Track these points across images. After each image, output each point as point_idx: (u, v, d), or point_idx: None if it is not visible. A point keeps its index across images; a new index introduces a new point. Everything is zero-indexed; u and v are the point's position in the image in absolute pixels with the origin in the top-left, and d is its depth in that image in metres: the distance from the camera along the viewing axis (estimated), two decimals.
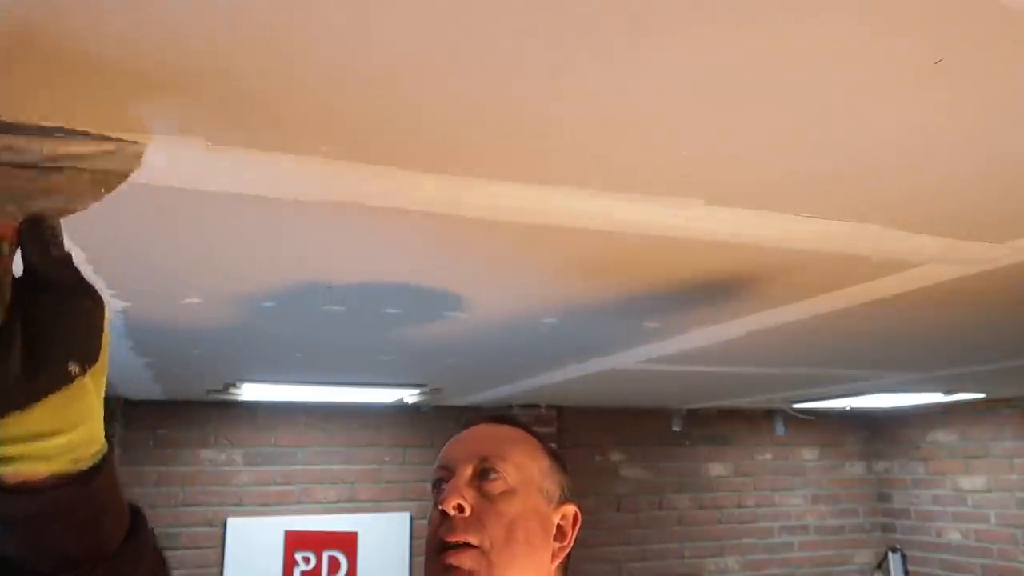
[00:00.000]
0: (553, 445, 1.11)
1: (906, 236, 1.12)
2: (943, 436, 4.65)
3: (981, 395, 3.76)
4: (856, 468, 5.04)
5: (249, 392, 3.13)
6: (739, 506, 4.70)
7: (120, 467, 3.59)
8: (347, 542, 3.84)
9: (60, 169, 0.62)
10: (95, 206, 0.71)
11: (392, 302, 1.51)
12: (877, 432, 5.07)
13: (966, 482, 4.48)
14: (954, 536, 4.50)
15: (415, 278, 1.35)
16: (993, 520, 4.31)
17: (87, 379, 0.58)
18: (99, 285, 1.35)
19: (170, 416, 3.73)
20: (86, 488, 0.59)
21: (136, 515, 0.67)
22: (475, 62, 0.64)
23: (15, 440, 0.55)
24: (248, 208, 0.94)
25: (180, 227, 1.03)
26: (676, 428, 4.64)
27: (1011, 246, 1.19)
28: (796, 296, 1.52)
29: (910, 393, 3.55)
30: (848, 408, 4.40)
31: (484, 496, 0.97)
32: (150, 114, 0.70)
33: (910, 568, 4.54)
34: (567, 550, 1.01)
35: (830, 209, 1.02)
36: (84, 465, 0.59)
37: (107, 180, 0.67)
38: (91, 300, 0.58)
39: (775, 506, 4.77)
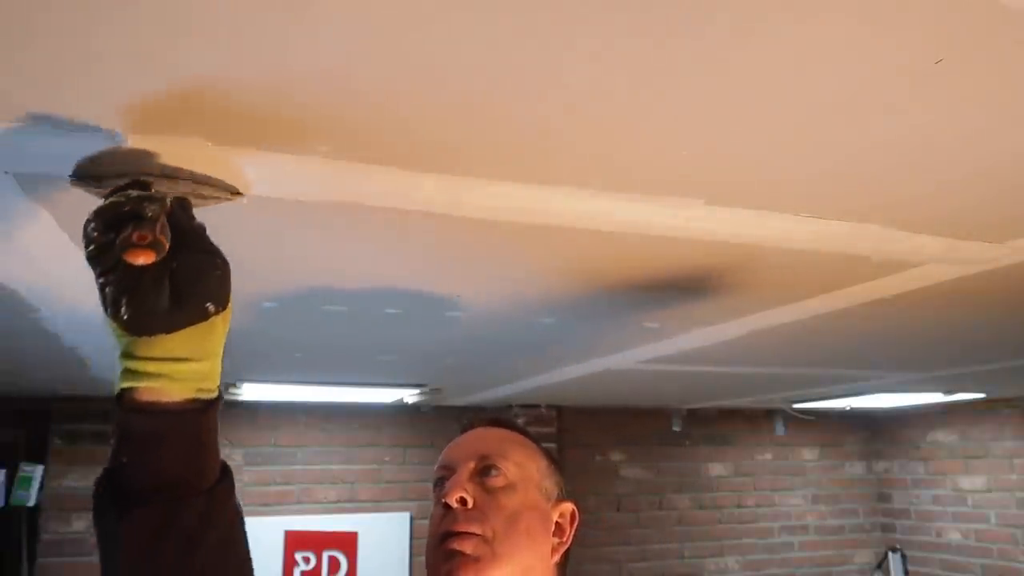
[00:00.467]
0: (553, 445, 1.12)
1: (906, 236, 1.12)
2: (943, 436, 4.65)
3: (981, 395, 3.76)
4: (856, 468, 5.04)
5: (249, 392, 3.13)
6: (739, 506, 4.70)
7: None
8: (347, 542, 3.84)
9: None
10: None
11: (392, 302, 1.51)
12: (877, 432, 5.07)
13: (966, 482, 4.47)
14: (954, 536, 4.50)
15: (415, 278, 1.35)
16: (993, 520, 4.31)
17: (219, 319, 0.70)
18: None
19: None
20: (202, 417, 0.69)
21: (224, 465, 0.75)
22: (474, 62, 0.64)
23: (156, 358, 0.66)
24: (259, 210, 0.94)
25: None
26: (676, 428, 4.63)
27: (1011, 246, 1.19)
28: (796, 296, 1.52)
29: (910, 393, 3.55)
30: (848, 408, 4.40)
31: (485, 490, 0.99)
32: None
33: (910, 568, 4.54)
34: (566, 546, 1.02)
35: (830, 209, 1.02)
36: (204, 396, 0.70)
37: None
38: (222, 260, 0.71)
39: (775, 506, 4.77)
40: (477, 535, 0.94)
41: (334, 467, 3.93)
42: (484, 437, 1.08)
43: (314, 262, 1.24)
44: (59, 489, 3.38)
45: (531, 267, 1.27)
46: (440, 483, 1.03)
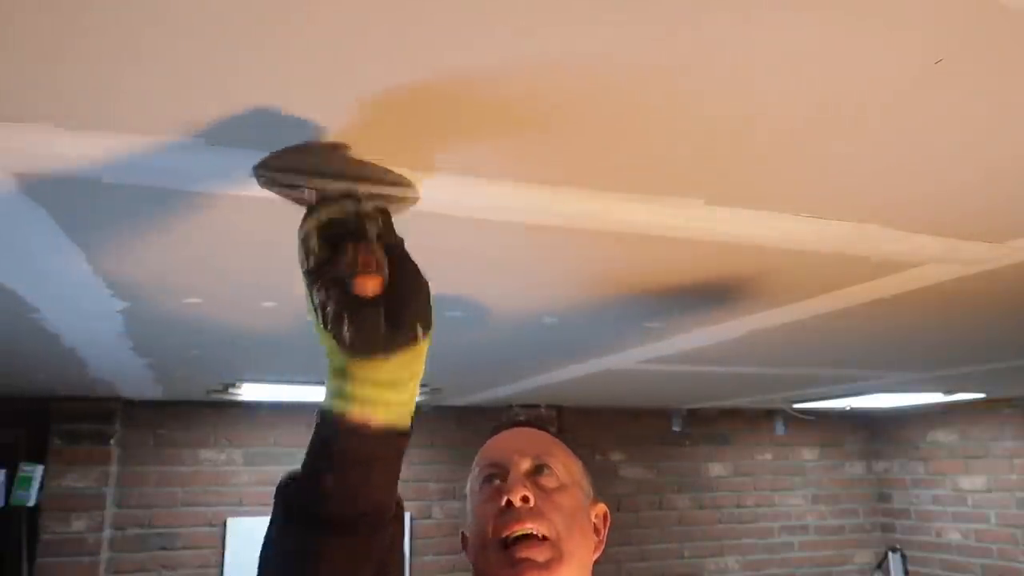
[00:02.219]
0: None
1: (906, 236, 1.12)
2: (943, 436, 4.65)
3: (981, 395, 3.76)
4: (856, 468, 5.04)
5: (249, 392, 3.13)
6: (739, 506, 4.70)
7: (120, 467, 3.59)
8: None
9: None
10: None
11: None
12: (877, 432, 5.07)
13: (966, 482, 4.47)
14: (954, 536, 4.50)
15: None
16: (993, 520, 4.31)
17: (425, 342, 0.69)
18: (98, 284, 1.35)
19: (170, 416, 3.73)
20: (403, 442, 0.70)
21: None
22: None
23: (372, 383, 0.66)
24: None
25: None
26: (676, 428, 4.63)
27: (1011, 246, 1.19)
28: (796, 296, 1.52)
29: (910, 393, 3.55)
30: (848, 408, 4.40)
31: (541, 489, 1.00)
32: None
33: (910, 568, 4.54)
34: (603, 546, 1.06)
35: (830, 209, 1.02)
36: (404, 424, 0.70)
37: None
38: (424, 280, 0.70)
39: (775, 506, 4.77)
40: (543, 538, 0.95)
41: None
42: (530, 437, 1.09)
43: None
44: (59, 489, 3.38)
45: (531, 268, 1.27)
46: (490, 480, 1.04)
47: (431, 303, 0.70)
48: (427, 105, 0.67)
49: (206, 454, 3.77)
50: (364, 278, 0.63)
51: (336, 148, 0.72)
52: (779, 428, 4.86)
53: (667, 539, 4.49)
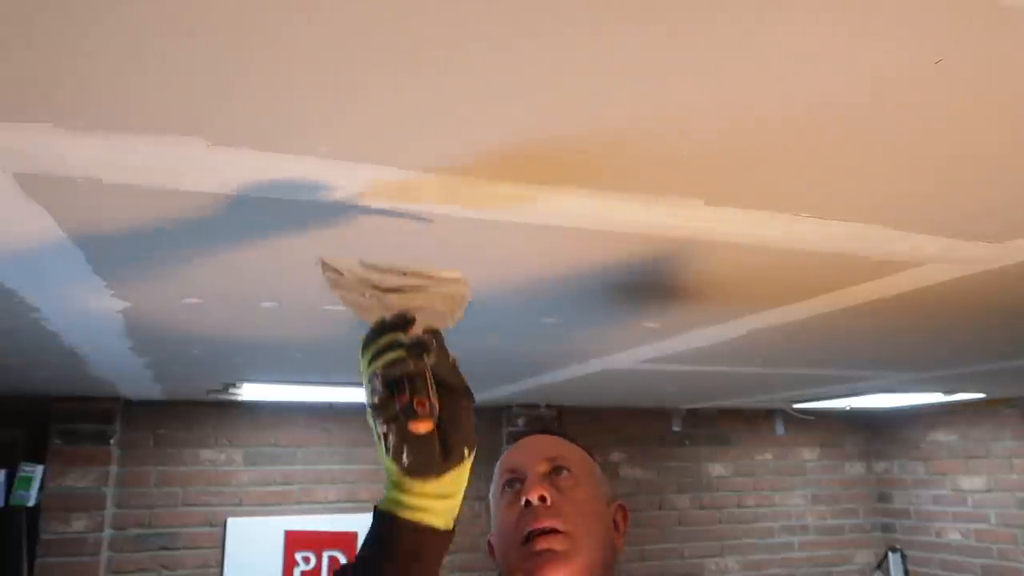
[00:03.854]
0: None
1: (906, 236, 1.13)
2: (943, 436, 4.65)
3: (981, 395, 3.76)
4: (856, 468, 5.04)
5: (249, 392, 3.13)
6: (739, 506, 4.70)
7: (120, 467, 3.59)
8: (347, 542, 3.84)
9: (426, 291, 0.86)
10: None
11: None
12: (877, 432, 5.07)
13: (966, 482, 4.47)
14: (954, 536, 4.50)
15: None
16: (993, 520, 4.31)
17: (469, 459, 0.80)
18: (98, 285, 1.35)
19: (170, 416, 3.73)
20: (448, 540, 0.81)
21: None
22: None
23: (425, 496, 0.78)
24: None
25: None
26: (676, 428, 4.63)
27: (1011, 246, 1.19)
28: (796, 296, 1.52)
29: (910, 393, 3.54)
30: (848, 408, 4.40)
31: (558, 489, 1.07)
32: None
33: (910, 568, 4.54)
34: (624, 538, 1.12)
35: (830, 209, 1.02)
36: (449, 526, 0.81)
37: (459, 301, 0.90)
38: (470, 399, 0.81)
39: (775, 506, 4.77)
40: (561, 531, 1.01)
41: (334, 467, 3.93)
42: (546, 442, 1.16)
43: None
44: (59, 489, 3.38)
45: (532, 268, 1.27)
46: (510, 485, 1.12)
47: (473, 421, 0.81)
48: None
49: (206, 454, 3.77)
50: (417, 423, 0.75)
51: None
52: (779, 428, 4.86)
53: (667, 539, 4.49)
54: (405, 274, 0.84)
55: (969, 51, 0.63)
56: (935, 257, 1.24)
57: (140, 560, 3.56)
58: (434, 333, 0.81)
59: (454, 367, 0.82)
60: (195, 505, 3.69)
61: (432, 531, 0.80)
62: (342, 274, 0.84)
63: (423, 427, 0.75)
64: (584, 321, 1.73)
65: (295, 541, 3.77)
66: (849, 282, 1.41)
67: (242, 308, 1.55)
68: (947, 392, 3.53)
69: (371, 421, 0.80)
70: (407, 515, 0.78)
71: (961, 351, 2.29)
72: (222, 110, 0.71)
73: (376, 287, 0.83)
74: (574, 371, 2.63)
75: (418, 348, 0.78)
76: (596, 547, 1.04)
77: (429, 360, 0.78)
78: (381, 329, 0.80)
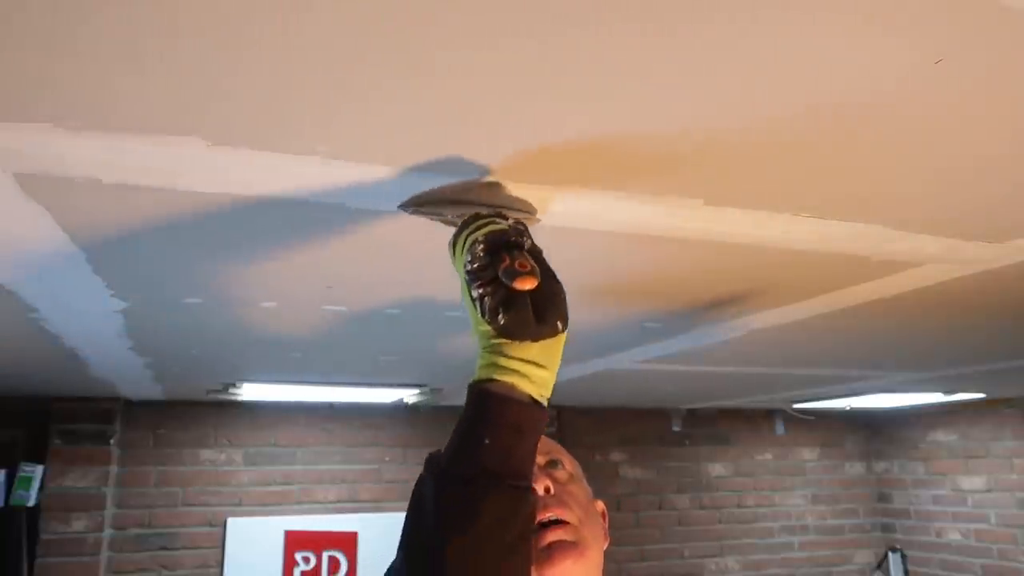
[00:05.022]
0: None
1: (906, 236, 1.13)
2: (943, 436, 4.64)
3: (981, 395, 3.76)
4: (856, 468, 5.04)
5: (249, 392, 3.13)
6: (739, 506, 4.70)
7: (120, 467, 3.59)
8: (347, 542, 3.84)
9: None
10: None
11: (393, 303, 1.51)
12: (877, 432, 5.07)
13: (966, 482, 4.47)
14: (954, 536, 4.50)
15: (414, 280, 1.35)
16: (993, 520, 4.31)
17: (562, 336, 0.82)
18: (98, 285, 1.35)
19: (170, 416, 3.73)
20: (543, 417, 0.81)
21: None
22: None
23: (522, 359, 0.80)
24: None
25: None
26: (676, 428, 4.63)
27: (1011, 246, 1.19)
28: (796, 296, 1.52)
29: (910, 393, 3.54)
30: (848, 408, 4.39)
31: (556, 482, 1.08)
32: None
33: (910, 568, 4.54)
34: (608, 538, 1.13)
35: (830, 209, 1.02)
36: (543, 399, 0.81)
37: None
38: (560, 285, 0.82)
39: (775, 506, 4.77)
40: (567, 523, 1.02)
41: (334, 467, 3.93)
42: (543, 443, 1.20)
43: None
44: (59, 489, 3.38)
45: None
46: None
47: (566, 302, 0.83)
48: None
49: (206, 454, 3.76)
50: (523, 279, 0.77)
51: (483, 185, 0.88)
52: (779, 428, 4.86)
53: (667, 539, 4.48)
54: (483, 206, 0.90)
55: (969, 51, 0.63)
56: (935, 257, 1.24)
57: (140, 560, 3.56)
58: (524, 226, 0.84)
59: (542, 257, 0.84)
60: (195, 505, 3.69)
61: (529, 401, 0.80)
62: (421, 206, 0.91)
63: (528, 283, 0.77)
64: (585, 321, 1.73)
65: (295, 541, 3.77)
66: (849, 282, 1.41)
67: (242, 308, 1.55)
68: (947, 392, 3.53)
69: (466, 290, 0.81)
70: (503, 377, 0.79)
71: (961, 351, 2.29)
72: (221, 110, 0.71)
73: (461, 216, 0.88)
74: (574, 371, 2.63)
75: (518, 226, 0.82)
76: (597, 540, 1.05)
77: (528, 239, 0.81)
78: (477, 216, 0.84)
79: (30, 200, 0.92)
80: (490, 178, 0.88)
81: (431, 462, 0.83)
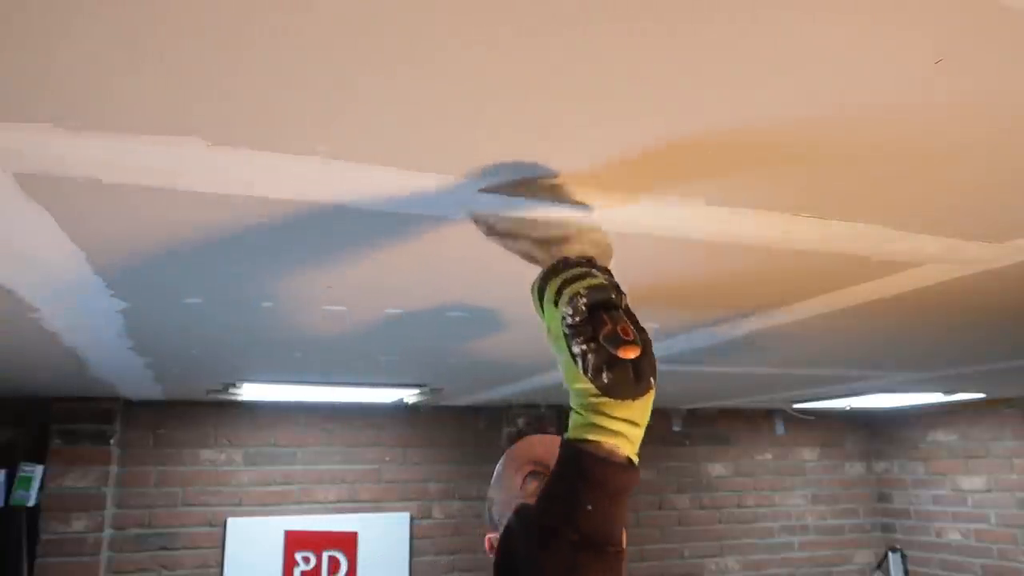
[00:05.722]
0: None
1: (906, 236, 1.12)
2: (943, 436, 4.64)
3: (981, 395, 3.76)
4: (856, 468, 5.04)
5: (249, 392, 3.13)
6: (739, 506, 4.70)
7: (120, 467, 3.59)
8: (347, 542, 3.84)
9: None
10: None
11: (394, 303, 1.51)
12: (877, 432, 5.07)
13: (966, 482, 4.47)
14: (954, 536, 4.50)
15: (415, 279, 1.35)
16: (993, 520, 4.31)
17: (653, 392, 0.83)
18: (98, 285, 1.35)
19: (170, 416, 3.73)
20: (636, 478, 0.82)
21: None
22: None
23: (623, 419, 0.80)
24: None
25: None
26: (676, 428, 4.63)
27: (1011, 246, 1.19)
28: (796, 296, 1.52)
29: (910, 393, 3.54)
30: (848, 408, 4.39)
31: None
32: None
33: (910, 568, 4.54)
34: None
35: (830, 209, 1.02)
36: (635, 460, 0.83)
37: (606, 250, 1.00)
38: (648, 339, 0.83)
39: (775, 506, 4.77)
40: None
41: (334, 467, 3.93)
42: (556, 439, 1.20)
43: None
44: (59, 489, 3.38)
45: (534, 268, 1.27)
46: (535, 476, 1.14)
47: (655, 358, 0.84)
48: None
49: (206, 454, 3.76)
50: (628, 348, 0.78)
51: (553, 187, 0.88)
52: (779, 428, 4.86)
53: (667, 539, 4.48)
54: (551, 225, 0.89)
55: (969, 51, 0.63)
56: (935, 257, 1.24)
57: (140, 560, 3.56)
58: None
59: (629, 308, 0.85)
60: (195, 505, 3.69)
61: (627, 464, 0.81)
62: (494, 225, 0.90)
63: (632, 352, 0.78)
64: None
65: (295, 541, 3.77)
66: (849, 282, 1.41)
67: (242, 308, 1.55)
68: (947, 392, 3.53)
69: (562, 343, 0.81)
70: (602, 438, 0.80)
71: (961, 351, 2.29)
72: (221, 110, 0.71)
73: (529, 237, 0.89)
74: None
75: (613, 282, 0.82)
76: None
77: (624, 297, 0.82)
78: (566, 263, 0.85)
79: (30, 200, 0.92)
80: (553, 181, 0.88)
81: (526, 517, 0.83)
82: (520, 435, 1.27)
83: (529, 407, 4.12)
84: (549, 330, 0.85)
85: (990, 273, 1.33)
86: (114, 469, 3.55)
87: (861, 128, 0.78)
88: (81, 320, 1.66)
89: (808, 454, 4.93)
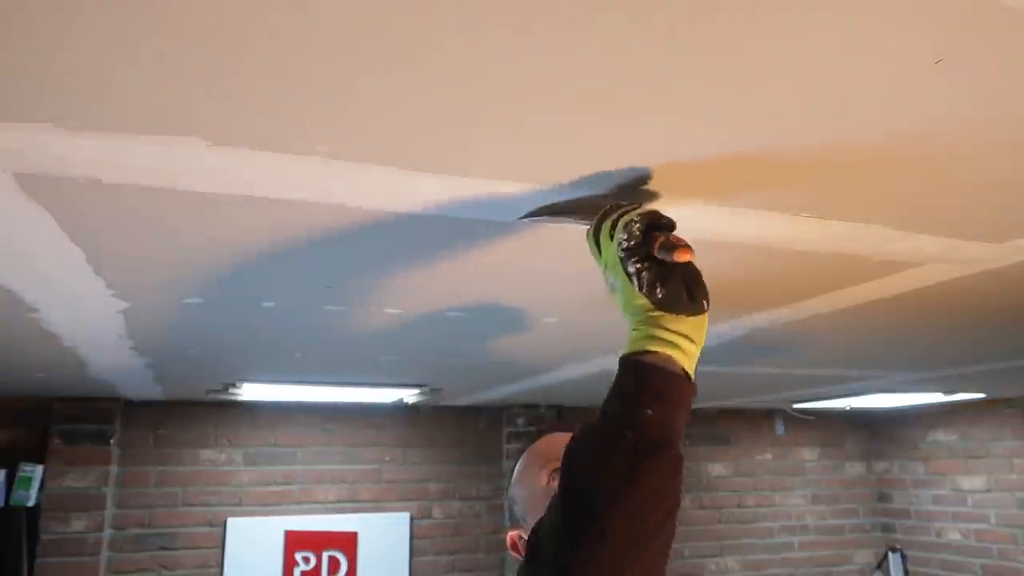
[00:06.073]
0: None
1: (906, 236, 1.12)
2: (943, 436, 4.64)
3: (981, 395, 3.76)
4: (856, 468, 5.04)
5: (249, 392, 3.13)
6: (739, 506, 4.69)
7: (120, 467, 3.59)
8: (347, 542, 3.84)
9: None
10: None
11: (394, 303, 1.51)
12: (877, 432, 5.07)
13: (966, 482, 4.47)
14: (954, 536, 4.50)
15: (416, 278, 1.35)
16: (993, 520, 4.30)
17: (706, 314, 0.86)
18: (98, 284, 1.35)
19: (170, 416, 3.73)
20: (692, 390, 0.85)
21: None
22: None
23: (678, 333, 0.84)
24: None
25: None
26: None
27: (1011, 246, 1.19)
28: (796, 296, 1.52)
29: (910, 393, 3.54)
30: (848, 408, 4.39)
31: None
32: None
33: (910, 568, 4.54)
34: None
35: (830, 209, 1.02)
36: (692, 372, 0.85)
37: None
38: (697, 269, 0.86)
39: (775, 506, 4.77)
40: None
41: (334, 467, 3.93)
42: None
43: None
44: (59, 489, 3.38)
45: (536, 268, 1.27)
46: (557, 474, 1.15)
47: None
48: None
49: (206, 454, 3.76)
50: (683, 250, 0.81)
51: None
52: (779, 428, 4.86)
53: None
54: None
55: (969, 50, 0.63)
56: (935, 257, 1.24)
57: (140, 560, 3.56)
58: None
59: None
60: (195, 505, 3.69)
61: (683, 375, 0.83)
62: (542, 215, 0.97)
63: (687, 254, 0.81)
64: (585, 320, 1.73)
65: (295, 541, 3.77)
66: (849, 282, 1.41)
67: (242, 308, 1.55)
68: (947, 392, 3.53)
69: (619, 268, 0.85)
70: (661, 349, 0.83)
71: (961, 351, 2.29)
72: (221, 110, 0.72)
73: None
74: (574, 371, 2.63)
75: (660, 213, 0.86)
76: None
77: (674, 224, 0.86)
78: (618, 205, 0.89)
79: (30, 200, 0.92)
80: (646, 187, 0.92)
81: (587, 430, 0.85)
82: (539, 434, 1.29)
83: (529, 407, 4.12)
84: (606, 265, 0.88)
85: (990, 273, 1.33)
86: (114, 469, 3.55)
87: (861, 128, 0.78)
88: (81, 320, 1.66)
89: (808, 454, 4.93)
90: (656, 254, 0.82)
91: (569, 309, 1.60)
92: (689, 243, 0.82)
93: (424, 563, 3.95)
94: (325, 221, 1.02)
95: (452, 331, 1.82)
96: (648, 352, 0.83)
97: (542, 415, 4.15)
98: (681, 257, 0.81)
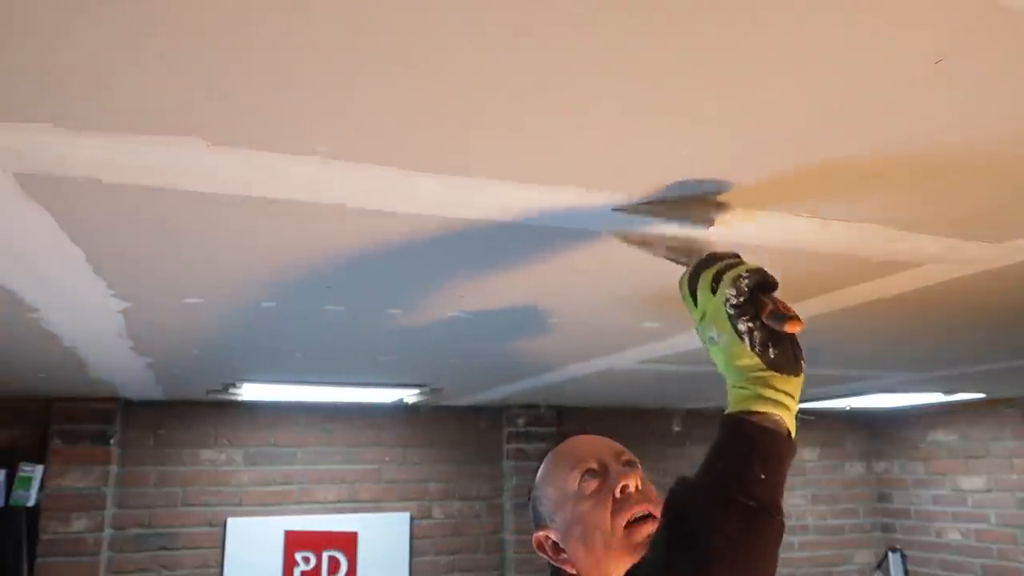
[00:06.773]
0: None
1: (906, 236, 1.13)
2: (943, 436, 4.64)
3: (981, 395, 3.76)
4: (856, 468, 5.04)
5: (249, 392, 3.13)
6: None
7: (120, 467, 3.59)
8: (347, 542, 3.84)
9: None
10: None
11: (394, 303, 1.51)
12: (877, 432, 5.07)
13: (966, 482, 4.47)
14: (954, 536, 4.50)
15: (416, 277, 1.35)
16: (993, 520, 4.30)
17: (803, 374, 0.87)
18: (98, 284, 1.35)
19: (170, 416, 3.73)
20: (794, 449, 0.86)
21: None
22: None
23: (788, 393, 0.85)
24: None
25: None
26: (676, 428, 4.63)
27: (1011, 246, 1.19)
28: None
29: (910, 393, 3.54)
30: (848, 408, 4.39)
31: (641, 480, 1.17)
32: None
33: (910, 568, 4.54)
34: None
35: (829, 209, 1.02)
36: (793, 433, 0.86)
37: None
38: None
39: None
40: (656, 517, 1.08)
41: (334, 467, 3.93)
42: (607, 440, 1.25)
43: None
44: (59, 489, 3.38)
45: (537, 268, 1.27)
46: (592, 475, 1.17)
47: None
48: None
49: (206, 454, 3.76)
50: (794, 322, 0.83)
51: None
52: None
53: None
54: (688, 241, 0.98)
55: (969, 50, 0.63)
56: (935, 257, 1.24)
57: (140, 560, 3.56)
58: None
59: None
60: (195, 505, 3.69)
61: (787, 432, 0.84)
62: (639, 242, 1.00)
63: (797, 326, 0.83)
64: (585, 321, 1.73)
65: (295, 541, 3.77)
66: (849, 282, 1.41)
67: (242, 308, 1.55)
68: (947, 392, 3.53)
69: (726, 323, 0.86)
70: (771, 410, 0.83)
71: (961, 351, 2.29)
72: (220, 110, 0.72)
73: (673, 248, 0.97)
74: (574, 371, 2.63)
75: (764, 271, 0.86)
76: None
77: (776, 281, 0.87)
78: (716, 256, 0.90)
79: (30, 200, 0.92)
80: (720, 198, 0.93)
81: (697, 487, 0.86)
82: (565, 435, 1.31)
83: (529, 407, 4.11)
84: (704, 316, 0.89)
85: (990, 273, 1.33)
86: (114, 469, 3.55)
87: (861, 128, 0.78)
88: (81, 320, 1.66)
89: (808, 454, 4.93)
90: (765, 321, 0.83)
91: (566, 310, 1.60)
92: (797, 313, 0.83)
93: (424, 563, 3.95)
94: (325, 221, 1.02)
95: (456, 333, 1.82)
96: (757, 413, 0.84)
97: (542, 415, 4.15)
98: (792, 329, 0.83)
